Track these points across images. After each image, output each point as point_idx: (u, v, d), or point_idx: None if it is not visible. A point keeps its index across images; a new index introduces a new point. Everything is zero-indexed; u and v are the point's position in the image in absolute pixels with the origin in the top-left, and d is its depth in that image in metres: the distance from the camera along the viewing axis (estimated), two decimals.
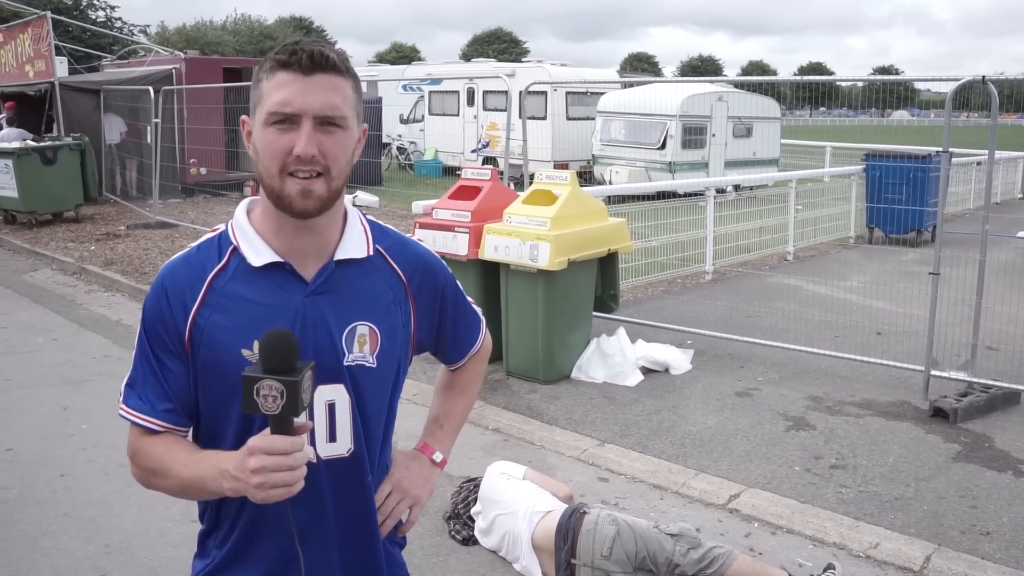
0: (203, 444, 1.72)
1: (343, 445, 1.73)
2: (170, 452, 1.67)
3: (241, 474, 1.51)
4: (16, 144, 14.80)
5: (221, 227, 1.74)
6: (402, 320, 1.81)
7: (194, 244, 1.74)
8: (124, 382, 1.73)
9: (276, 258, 1.67)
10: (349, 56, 1.67)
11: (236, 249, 1.69)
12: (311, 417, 1.66)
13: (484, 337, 2.10)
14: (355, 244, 1.75)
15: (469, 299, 2.03)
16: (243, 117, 1.70)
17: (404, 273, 1.82)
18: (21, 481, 5.16)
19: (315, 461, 1.66)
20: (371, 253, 1.77)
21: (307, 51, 1.58)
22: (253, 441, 1.51)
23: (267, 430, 1.51)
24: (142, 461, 1.70)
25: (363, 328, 1.72)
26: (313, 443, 1.69)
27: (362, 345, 1.73)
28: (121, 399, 1.71)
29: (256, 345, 1.60)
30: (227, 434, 1.68)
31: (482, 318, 2.09)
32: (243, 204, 1.76)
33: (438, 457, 2.05)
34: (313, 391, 1.55)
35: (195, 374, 1.68)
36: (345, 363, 1.70)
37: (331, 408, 1.70)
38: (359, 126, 1.70)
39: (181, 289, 1.67)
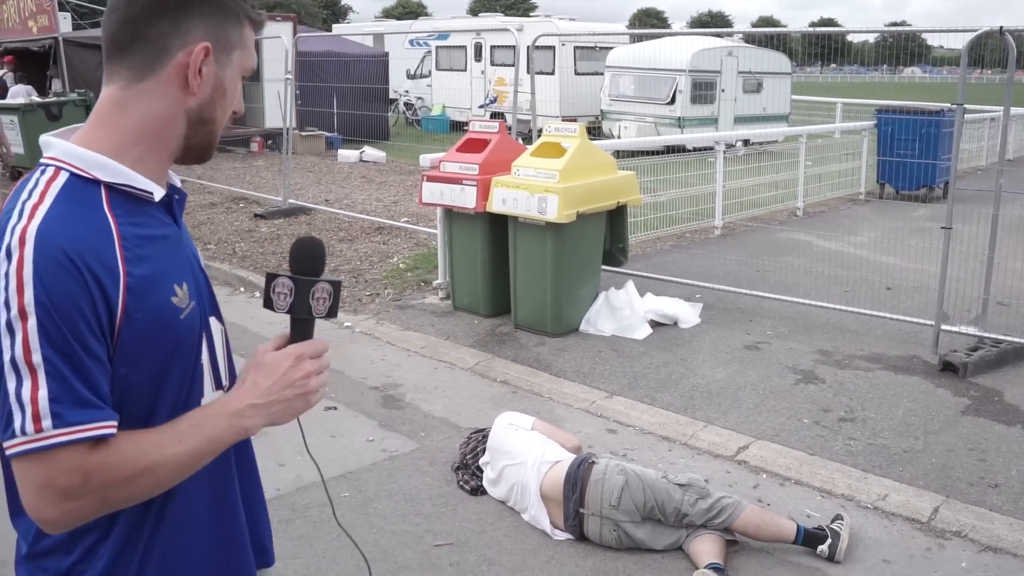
0: (128, 428, 1.37)
1: (220, 392, 1.59)
2: (142, 442, 1.35)
3: (285, 392, 1.45)
4: (21, 100, 14.73)
5: (47, 175, 1.39)
6: None
7: (46, 199, 1.34)
8: (42, 403, 1.25)
9: (163, 189, 1.49)
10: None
11: (111, 187, 1.40)
12: (213, 361, 1.57)
13: None
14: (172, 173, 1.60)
15: None
16: (206, 44, 1.46)
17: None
18: None
19: None
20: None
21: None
22: (292, 349, 1.48)
23: (269, 345, 1.51)
24: (104, 478, 1.30)
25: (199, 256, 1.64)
26: (221, 387, 1.58)
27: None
28: (48, 423, 1.25)
29: (178, 290, 1.45)
30: (160, 402, 1.44)
31: None
32: (59, 141, 1.43)
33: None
34: (330, 304, 1.52)
35: (123, 350, 1.36)
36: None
37: (211, 342, 1.57)
38: None
39: (95, 250, 1.32)
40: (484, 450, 4.58)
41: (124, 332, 1.35)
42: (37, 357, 1.26)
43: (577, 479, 4.04)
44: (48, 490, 1.28)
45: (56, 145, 1.42)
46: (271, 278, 1.52)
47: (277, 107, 13.75)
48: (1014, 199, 10.22)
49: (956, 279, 6.72)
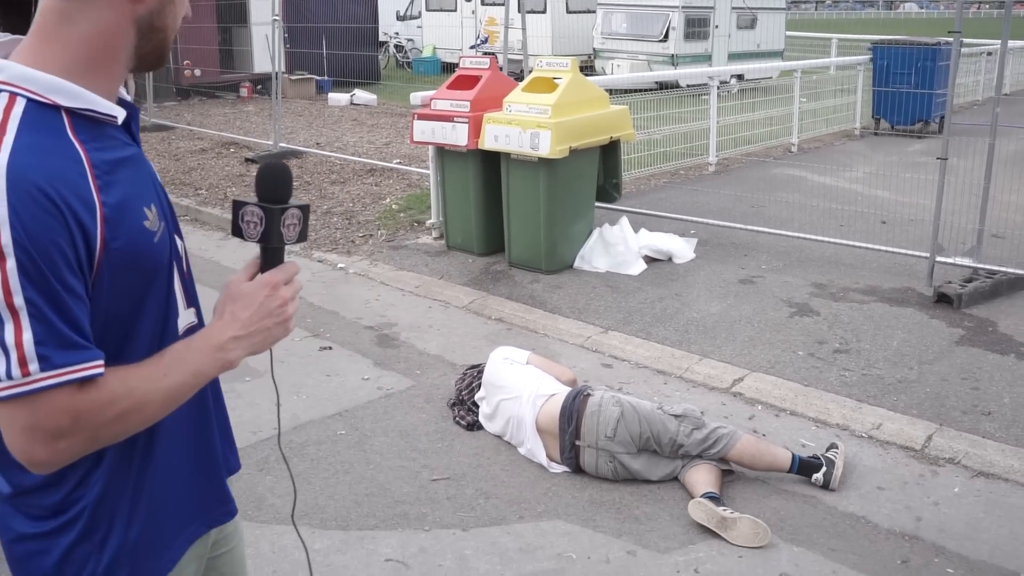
0: (106, 356, 1.33)
1: (192, 309, 1.58)
2: (129, 379, 1.33)
3: (264, 321, 1.46)
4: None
5: (11, 102, 1.29)
6: None
7: (8, 128, 1.26)
8: (26, 347, 1.22)
9: (122, 110, 1.41)
10: None
11: (69, 111, 1.32)
12: (183, 278, 1.54)
13: None
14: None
15: None
16: None
17: None
18: None
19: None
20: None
21: None
22: (266, 278, 1.47)
23: (241, 275, 1.49)
24: (95, 417, 1.29)
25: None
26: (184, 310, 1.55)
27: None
28: (36, 367, 1.22)
29: (148, 212, 1.41)
30: (138, 329, 1.42)
31: None
32: (13, 64, 1.33)
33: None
34: (300, 229, 1.51)
35: (99, 282, 1.32)
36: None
37: (182, 265, 1.55)
38: None
39: (69, 182, 1.26)
40: (480, 385, 4.58)
41: (104, 265, 1.30)
42: (19, 299, 1.21)
43: (573, 411, 4.04)
44: (37, 432, 1.26)
45: (4, 67, 1.32)
46: (239, 206, 1.49)
47: (265, 51, 13.53)
48: (1010, 132, 10.17)
49: (951, 212, 6.69)
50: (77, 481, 1.41)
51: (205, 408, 1.65)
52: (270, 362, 1.76)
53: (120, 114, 1.40)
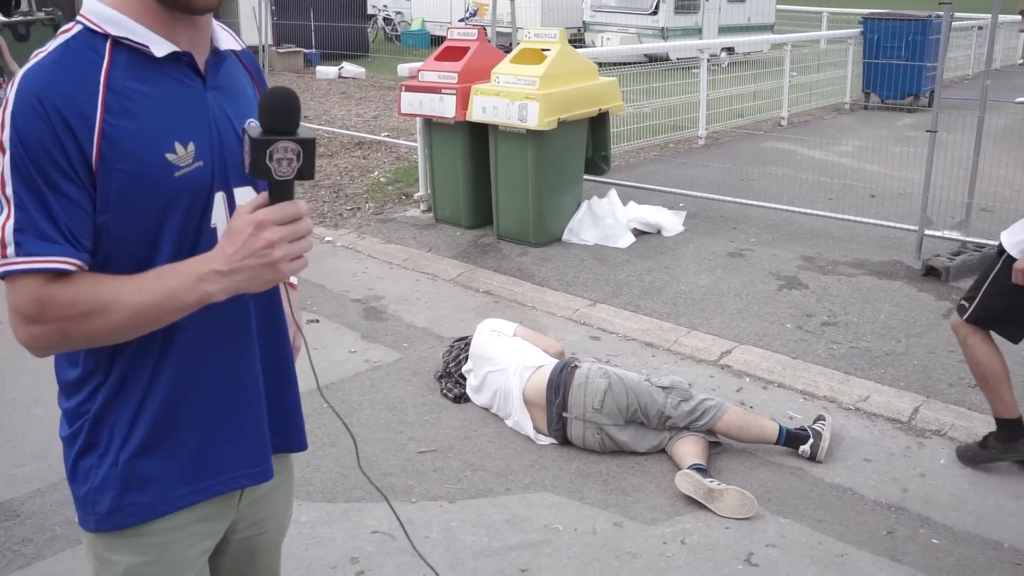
0: None
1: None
2: (101, 284, 1.39)
3: (247, 260, 1.36)
4: None
5: (72, 27, 1.45)
6: None
7: (49, 47, 1.42)
8: (8, 230, 1.35)
9: (175, 47, 1.45)
10: None
11: (118, 42, 1.42)
12: None
13: None
14: (227, 37, 1.60)
15: None
16: None
17: (252, 72, 1.71)
18: (12, 352, 5.12)
19: None
20: (241, 47, 1.66)
21: None
22: (258, 215, 1.37)
23: (246, 206, 1.39)
24: (58, 311, 1.37)
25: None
26: None
27: None
28: (11, 250, 1.35)
29: (179, 147, 1.43)
30: (156, 259, 1.45)
31: None
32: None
33: (294, 280, 1.92)
34: (299, 166, 1.41)
35: (106, 199, 1.40)
36: None
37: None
38: None
39: (70, 97, 1.36)
40: (467, 358, 4.56)
41: (102, 178, 1.38)
42: (9, 190, 1.35)
43: (560, 383, 4.03)
44: (15, 313, 1.38)
45: (87, 2, 1.46)
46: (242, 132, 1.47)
47: (253, 22, 13.41)
48: (999, 107, 10.15)
49: (940, 186, 6.68)
50: (88, 393, 1.52)
51: (244, 357, 1.61)
52: (291, 317, 1.73)
53: (159, 47, 1.43)
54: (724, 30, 19.10)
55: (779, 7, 21.86)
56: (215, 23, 1.59)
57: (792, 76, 12.26)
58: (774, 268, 6.18)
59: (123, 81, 1.41)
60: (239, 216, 1.39)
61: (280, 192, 1.38)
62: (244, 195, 1.53)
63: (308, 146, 1.37)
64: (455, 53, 7.08)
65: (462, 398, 4.51)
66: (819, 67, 14.27)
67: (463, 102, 6.65)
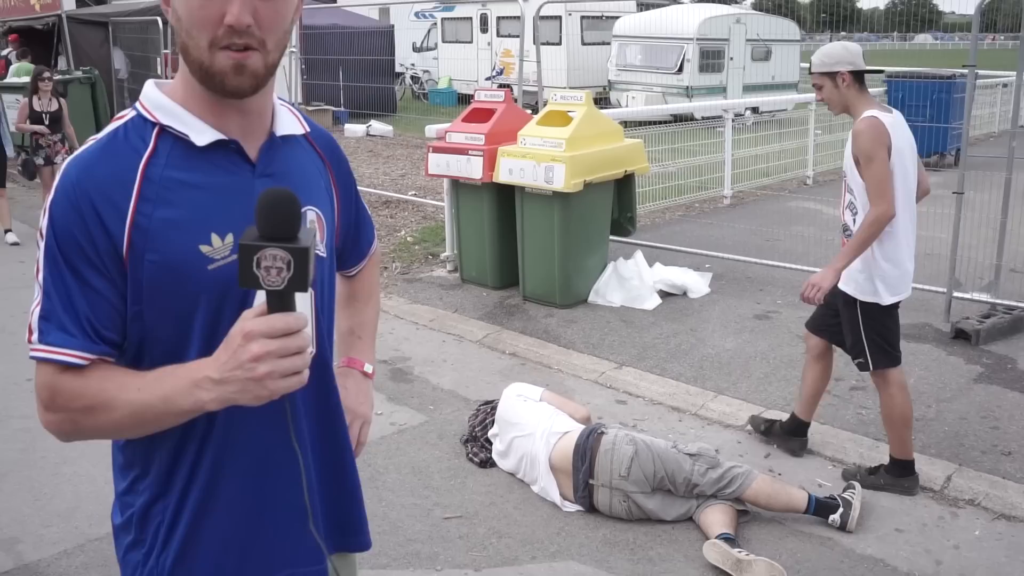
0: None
1: (308, 328, 1.46)
2: (110, 380, 1.37)
3: (235, 372, 1.26)
4: (26, 79, 14.64)
5: (128, 113, 1.46)
6: (331, 208, 1.65)
7: (100, 135, 1.43)
8: (35, 316, 1.37)
9: (220, 135, 1.42)
10: None
11: (164, 130, 1.42)
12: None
13: (376, 236, 1.95)
14: (290, 122, 1.56)
15: None
16: None
17: (327, 157, 1.67)
18: None
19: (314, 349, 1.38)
20: (307, 130, 1.61)
21: None
22: (248, 325, 1.26)
23: (249, 312, 1.29)
24: (66, 402, 1.37)
25: (312, 213, 1.55)
26: None
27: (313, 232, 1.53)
28: (36, 337, 1.36)
29: (215, 239, 1.40)
30: (187, 353, 1.41)
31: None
32: (150, 83, 1.48)
33: (369, 368, 1.89)
34: (289, 276, 1.26)
35: (137, 289, 1.39)
36: None
37: (290, 305, 1.49)
38: None
39: (106, 187, 1.36)
40: (493, 422, 4.56)
41: (133, 268, 1.38)
42: (41, 276, 1.37)
43: (587, 450, 4.01)
44: (36, 396, 1.40)
45: (146, 87, 1.48)
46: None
47: (283, 81, 13.67)
48: None
49: (968, 246, 6.64)
50: (130, 482, 1.52)
51: (292, 467, 1.51)
52: (287, 420, 1.53)
53: (200, 135, 1.42)
54: (749, 89, 19.24)
55: (803, 65, 22.01)
56: (280, 105, 1.56)
57: (817, 135, 12.30)
58: (801, 331, 6.11)
59: (163, 170, 1.40)
60: (238, 322, 1.29)
61: (276, 302, 1.27)
62: None
63: (300, 255, 1.24)
64: (482, 115, 7.18)
65: (488, 463, 4.49)
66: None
67: (490, 163, 6.72)
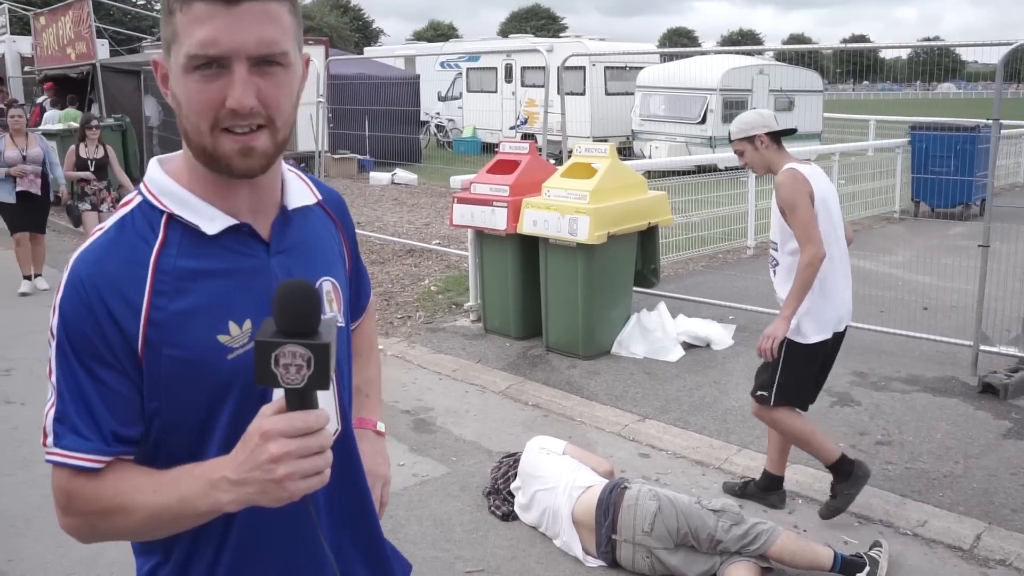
0: (174, 464, 1.34)
1: (331, 426, 1.40)
2: (125, 483, 1.32)
3: (253, 472, 1.20)
4: (59, 126, 14.96)
5: (134, 199, 1.40)
6: (344, 272, 1.61)
7: (107, 225, 1.38)
8: (49, 418, 1.33)
9: (231, 220, 1.38)
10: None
11: (172, 218, 1.37)
12: None
13: (371, 288, 1.91)
14: (300, 191, 1.51)
15: None
16: (154, 58, 1.40)
17: (338, 219, 1.62)
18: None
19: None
20: (319, 198, 1.56)
21: None
22: (266, 424, 1.19)
23: (268, 408, 1.22)
24: (83, 506, 1.33)
25: (328, 284, 1.51)
26: None
27: (331, 303, 1.51)
28: (50, 440, 1.32)
29: (232, 327, 1.35)
30: (207, 448, 1.37)
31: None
32: (154, 164, 1.43)
33: (381, 427, 1.85)
34: (309, 373, 1.20)
35: (154, 384, 1.34)
36: None
37: None
38: (301, 58, 1.39)
39: (116, 282, 1.31)
40: (515, 475, 4.54)
41: (149, 364, 1.32)
42: (54, 377, 1.33)
43: (609, 504, 3.99)
44: (55, 499, 1.36)
45: (150, 168, 1.43)
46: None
47: (310, 130, 13.86)
48: None
49: (994, 298, 6.60)
50: (151, 569, 1.47)
51: (313, 548, 1.48)
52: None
53: (210, 223, 1.37)
54: None
55: (826, 115, 22.08)
56: (289, 174, 1.52)
57: (840, 184, 12.30)
58: (826, 384, 6.09)
59: (176, 260, 1.35)
60: (256, 419, 1.22)
61: (295, 399, 1.20)
62: None
63: (321, 352, 1.17)
64: (507, 166, 7.24)
65: (510, 516, 4.47)
66: (868, 176, 14.29)
67: (514, 214, 6.77)
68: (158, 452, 1.38)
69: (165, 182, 1.39)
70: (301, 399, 1.20)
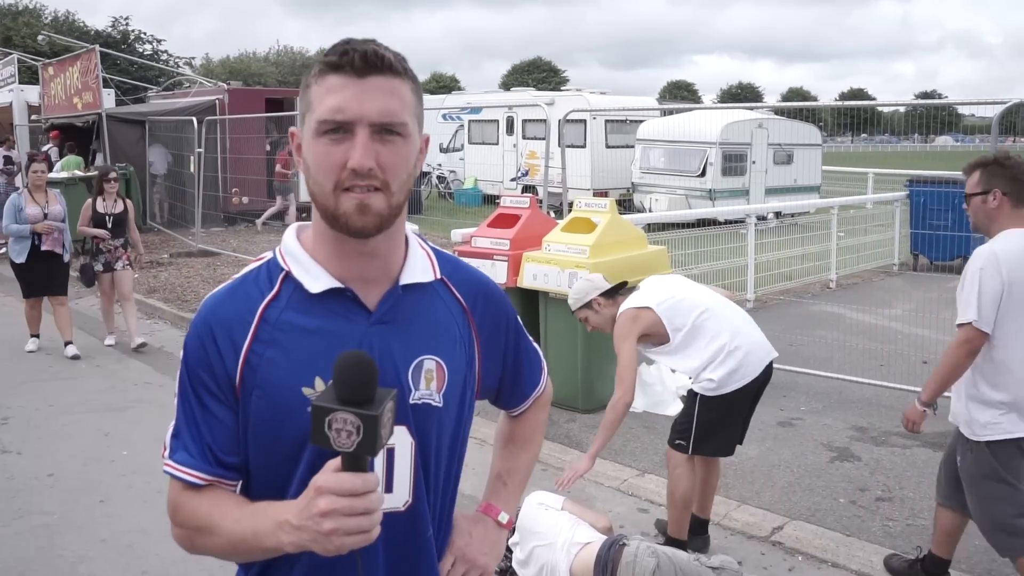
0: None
1: (400, 497, 1.53)
2: (217, 506, 1.48)
3: (308, 522, 1.30)
4: (63, 174, 15.09)
5: (268, 255, 1.58)
6: (467, 355, 1.63)
7: (239, 274, 1.57)
8: (168, 433, 1.54)
9: (335, 283, 1.49)
10: (405, 58, 1.48)
11: (288, 276, 1.52)
12: (387, 463, 1.51)
13: (546, 379, 1.90)
14: (420, 268, 1.58)
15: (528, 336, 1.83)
16: (292, 129, 1.55)
17: (467, 302, 1.64)
18: (62, 507, 5.20)
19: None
20: (438, 277, 1.61)
21: (360, 51, 1.40)
22: (320, 480, 1.30)
23: (329, 465, 1.31)
24: (184, 519, 1.51)
25: (430, 363, 1.55)
26: None
27: (428, 382, 1.55)
28: (167, 453, 1.53)
29: (319, 383, 1.46)
30: (289, 487, 1.48)
31: (543, 357, 1.89)
32: (292, 228, 1.59)
33: (503, 518, 1.84)
34: (393, 426, 1.32)
35: (245, 421, 1.50)
36: (410, 401, 1.52)
37: (389, 453, 1.51)
38: (421, 134, 1.51)
39: (228, 324, 1.49)
40: (513, 530, 4.52)
41: (243, 400, 1.49)
42: (176, 400, 1.54)
43: (608, 561, 3.97)
44: (167, 508, 1.55)
45: (286, 233, 1.60)
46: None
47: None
48: None
49: None
50: None
51: None
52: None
53: (314, 282, 1.50)
54: (771, 191, 19.44)
55: (825, 168, 22.26)
56: (417, 250, 1.60)
57: (840, 238, 12.38)
58: (825, 439, 6.11)
59: (281, 313, 1.50)
60: (319, 473, 1.32)
61: (350, 461, 1.29)
62: (399, 435, 1.51)
63: (370, 423, 1.25)
64: (508, 220, 7.30)
65: (508, 572, 4.44)
66: (867, 229, 14.38)
67: (515, 268, 6.81)
68: (250, 486, 1.54)
69: (292, 244, 1.56)
70: (355, 462, 1.29)
